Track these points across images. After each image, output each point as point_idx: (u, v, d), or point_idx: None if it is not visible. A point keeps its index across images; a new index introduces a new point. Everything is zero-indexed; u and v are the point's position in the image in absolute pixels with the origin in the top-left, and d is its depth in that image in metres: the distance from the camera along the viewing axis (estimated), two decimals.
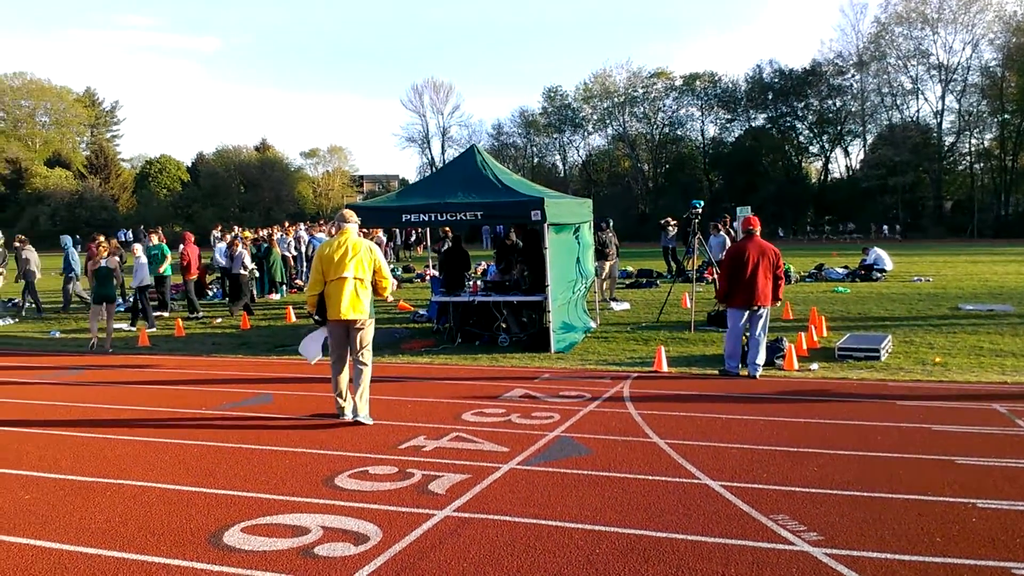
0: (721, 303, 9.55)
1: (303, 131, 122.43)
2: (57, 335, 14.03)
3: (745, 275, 8.96)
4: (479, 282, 13.00)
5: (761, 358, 9.10)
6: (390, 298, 8.22)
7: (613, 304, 16.03)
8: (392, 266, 28.02)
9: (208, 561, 4.34)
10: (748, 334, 9.13)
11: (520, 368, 9.94)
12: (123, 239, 34.34)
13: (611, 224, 17.22)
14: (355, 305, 7.26)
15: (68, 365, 10.93)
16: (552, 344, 10.98)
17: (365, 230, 14.86)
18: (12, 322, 15.94)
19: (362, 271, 7.30)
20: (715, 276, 17.68)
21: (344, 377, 7.42)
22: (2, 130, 77.39)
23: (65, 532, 4.78)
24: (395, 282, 7.53)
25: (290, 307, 16.40)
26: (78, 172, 70.52)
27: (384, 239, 27.39)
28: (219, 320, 15.58)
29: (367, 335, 7.41)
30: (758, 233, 9.23)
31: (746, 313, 9.08)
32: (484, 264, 21.97)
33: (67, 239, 17.92)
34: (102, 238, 16.55)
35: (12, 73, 79.58)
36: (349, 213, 7.62)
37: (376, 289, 7.49)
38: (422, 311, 15.07)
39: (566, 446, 6.43)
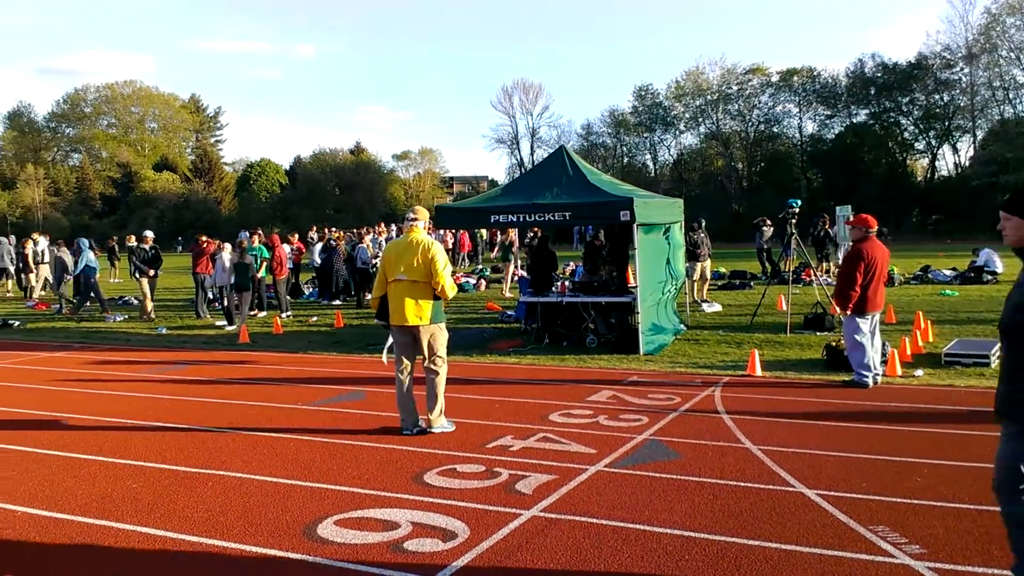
0: (846, 310, 8.44)
1: (396, 134, 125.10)
2: (164, 331, 14.72)
3: (872, 279, 8.42)
4: (567, 283, 12.98)
5: (880, 366, 8.75)
6: (461, 290, 7.71)
7: (704, 306, 15.73)
8: (481, 267, 28.31)
9: (302, 552, 4.46)
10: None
11: (608, 370, 9.86)
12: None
13: (703, 224, 16.90)
14: (412, 309, 6.75)
15: (173, 360, 11.46)
16: (641, 346, 10.85)
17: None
18: (122, 319, 16.81)
19: (418, 273, 6.76)
20: (813, 277, 17.11)
21: (407, 389, 6.92)
22: (114, 136, 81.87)
23: (169, 520, 5.01)
24: (454, 285, 7.01)
25: None
26: (184, 176, 73.87)
27: (450, 240, 27.54)
28: (314, 319, 16.05)
29: (436, 342, 6.92)
30: (875, 233, 8.73)
31: (870, 319, 8.57)
32: (572, 265, 21.91)
33: (84, 241, 18.71)
34: (205, 238, 17.31)
35: (123, 81, 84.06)
36: (419, 209, 7.14)
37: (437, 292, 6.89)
38: (510, 311, 15.15)
39: (655, 449, 6.35)
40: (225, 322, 15.19)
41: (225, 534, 4.75)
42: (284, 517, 5.02)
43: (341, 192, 70.94)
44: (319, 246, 21.07)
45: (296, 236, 23.72)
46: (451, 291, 6.89)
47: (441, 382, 6.94)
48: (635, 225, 10.57)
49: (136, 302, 20.23)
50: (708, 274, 17.17)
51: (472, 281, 22.00)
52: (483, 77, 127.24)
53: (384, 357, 7.70)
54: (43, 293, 22.94)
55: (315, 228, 36.57)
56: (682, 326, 12.96)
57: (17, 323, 16.18)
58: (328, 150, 75.90)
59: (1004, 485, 3.27)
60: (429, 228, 7.22)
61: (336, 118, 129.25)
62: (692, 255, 15.85)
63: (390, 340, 7.20)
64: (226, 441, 6.90)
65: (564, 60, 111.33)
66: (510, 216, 11.33)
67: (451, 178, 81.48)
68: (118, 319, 16.70)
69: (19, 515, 5.16)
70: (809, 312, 12.80)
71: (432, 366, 6.92)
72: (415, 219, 6.97)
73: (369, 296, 14.64)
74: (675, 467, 5.88)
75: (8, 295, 23.83)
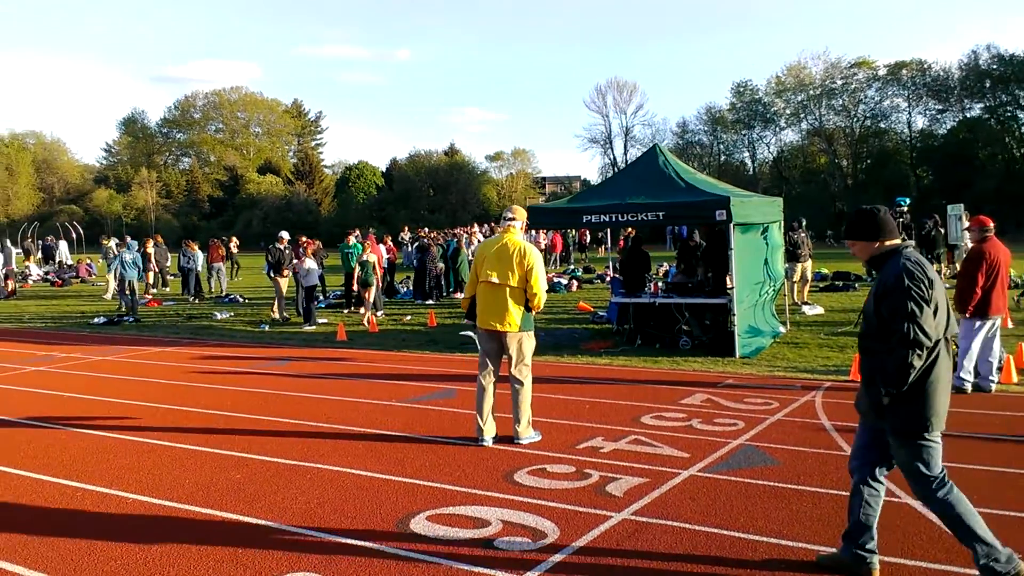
0: (965, 312, 8.01)
1: (489, 135, 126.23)
2: (266, 328, 15.26)
3: (994, 281, 7.95)
4: (660, 283, 12.80)
5: (996, 372, 8.29)
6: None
7: (805, 308, 15.23)
8: (572, 267, 28.23)
9: (395, 545, 4.54)
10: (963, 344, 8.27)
11: (702, 372, 9.66)
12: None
13: (803, 224, 16.37)
14: (499, 313, 6.48)
15: (274, 356, 11.86)
16: (737, 348, 10.59)
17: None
18: (228, 316, 17.52)
19: (511, 277, 6.45)
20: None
21: (488, 395, 6.62)
22: (221, 140, 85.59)
23: (270, 510, 5.18)
24: (545, 296, 6.66)
25: None
26: (286, 178, 76.52)
27: (543, 241, 27.39)
28: (408, 317, 16.34)
29: (524, 349, 6.61)
30: (992, 233, 8.26)
31: (990, 323, 8.10)
32: (666, 265, 21.61)
33: (133, 243, 19.54)
34: (305, 239, 17.90)
35: (230, 88, 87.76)
36: (516, 209, 6.84)
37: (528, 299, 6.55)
38: (602, 312, 15.04)
39: (751, 455, 6.17)
40: (303, 322, 15.65)
41: (322, 525, 4.87)
42: (378, 511, 5.11)
43: (435, 193, 72.06)
44: (414, 246, 21.46)
45: (388, 237, 24.26)
46: (543, 302, 6.63)
47: (526, 393, 6.61)
48: (731, 224, 10.32)
49: (242, 300, 21.07)
50: (809, 275, 16.61)
51: (563, 282, 21.96)
52: (577, 77, 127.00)
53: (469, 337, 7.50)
54: (153, 291, 24.16)
55: (407, 228, 37.29)
56: (781, 329, 12.58)
57: (130, 320, 17.08)
58: (423, 152, 77.25)
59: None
60: (524, 228, 6.89)
61: (431, 120, 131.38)
62: (792, 256, 15.39)
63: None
64: (324, 435, 7.09)
65: (660, 57, 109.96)
66: (602, 216, 11.24)
67: (543, 178, 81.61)
68: (224, 316, 17.40)
69: (130, 501, 5.43)
70: None
71: (517, 375, 6.58)
72: (512, 219, 6.68)
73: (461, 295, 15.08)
74: (772, 474, 5.70)
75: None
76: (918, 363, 3.69)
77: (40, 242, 40.18)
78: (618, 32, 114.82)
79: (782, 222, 13.58)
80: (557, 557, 4.34)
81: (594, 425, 7.21)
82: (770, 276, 12.36)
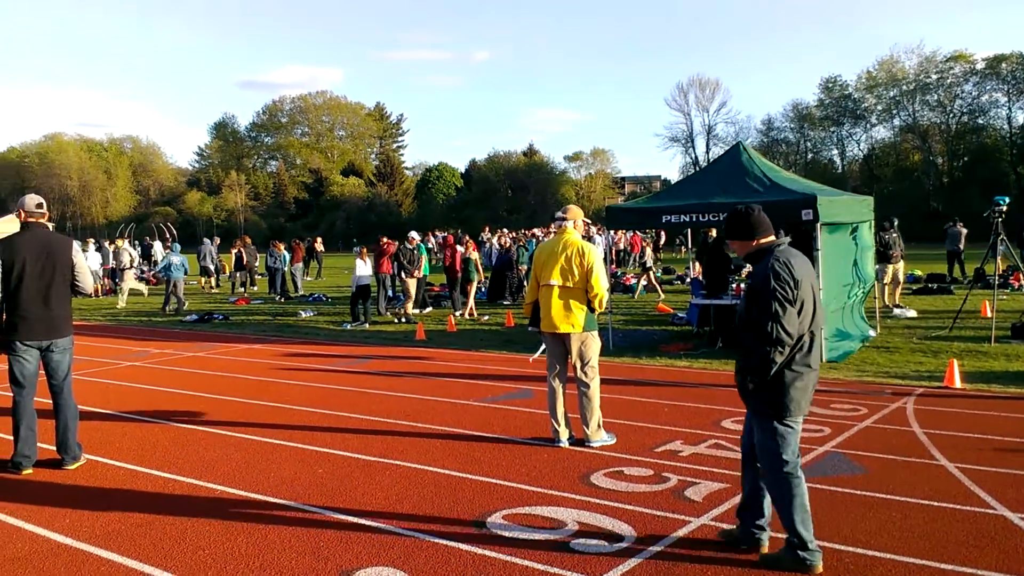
0: None
1: (568, 135, 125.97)
2: (348, 327, 15.58)
3: None
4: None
5: None
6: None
7: (896, 311, 14.67)
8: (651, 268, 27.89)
9: (472, 544, 4.56)
10: None
11: None
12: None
13: (895, 223, 15.76)
14: (563, 316, 6.40)
15: (356, 355, 12.10)
16: (823, 352, 10.26)
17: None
18: (312, 314, 17.97)
19: (569, 277, 6.38)
20: (1022, 282, 15.55)
21: (559, 397, 6.57)
22: (306, 143, 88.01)
23: (351, 505, 5.27)
24: (608, 295, 6.52)
25: None
26: (368, 180, 78.11)
27: (601, 240, 26.94)
28: (486, 317, 16.44)
29: (589, 350, 6.50)
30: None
31: None
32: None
33: (176, 246, 20.66)
34: (385, 239, 18.21)
35: (315, 92, 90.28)
36: (571, 209, 6.74)
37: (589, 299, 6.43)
38: (681, 313, 14.81)
39: (837, 462, 5.97)
40: (351, 319, 16.18)
41: (400, 521, 4.94)
42: (455, 508, 5.15)
43: (514, 193, 72.39)
44: (495, 247, 21.57)
45: (467, 237, 24.45)
46: (605, 303, 6.51)
47: (594, 394, 6.51)
48: (818, 224, 10.01)
49: (325, 299, 21.59)
50: (901, 277, 15.99)
51: (642, 283, 21.72)
52: (658, 74, 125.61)
53: (532, 357, 7.54)
54: (241, 290, 24.99)
55: (487, 228, 37.53)
56: (871, 332, 12.15)
57: (220, 317, 17.70)
58: (502, 153, 77.77)
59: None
60: (582, 228, 6.76)
61: (510, 121, 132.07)
62: (883, 256, 14.85)
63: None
64: (403, 433, 7.19)
65: (744, 53, 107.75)
66: (682, 216, 11.07)
67: (623, 178, 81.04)
68: (308, 314, 17.86)
69: (217, 493, 5.62)
70: (1018, 320, 11.62)
71: (583, 376, 6.48)
72: (566, 219, 6.61)
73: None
74: (860, 482, 5.50)
75: (214, 291, 26.15)
76: (779, 358, 4.00)
77: (137, 242, 42.04)
78: (700, 29, 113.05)
79: (873, 222, 13.10)
80: (634, 561, 4.28)
81: (673, 428, 7.10)
82: (859, 278, 11.94)
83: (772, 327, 3.94)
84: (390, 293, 18.21)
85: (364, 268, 16.15)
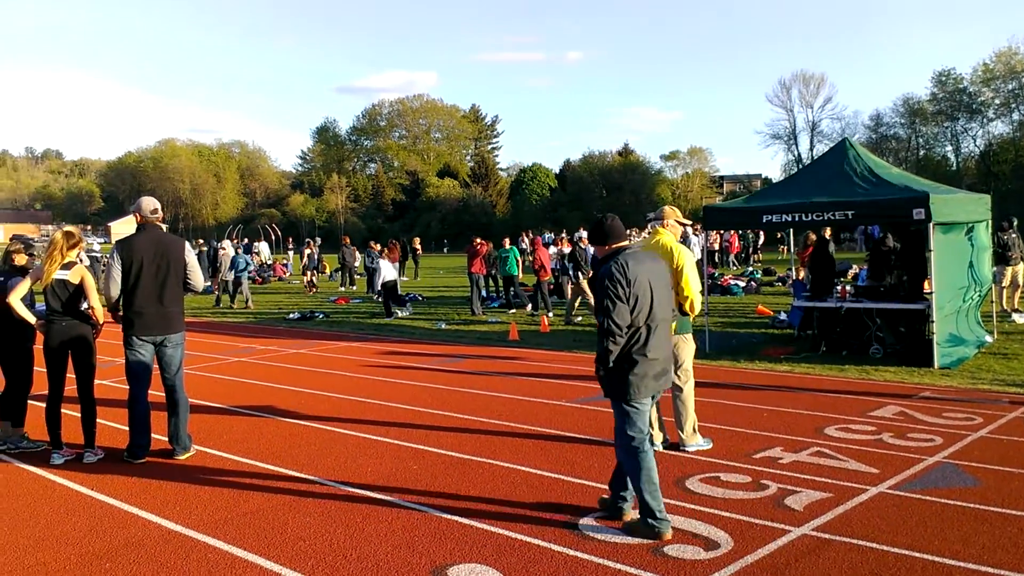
0: None
1: (665, 134, 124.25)
2: (443, 326, 15.80)
3: None
4: (848, 287, 12.06)
5: None
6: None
7: (1016, 316, 13.84)
8: (751, 269, 27.19)
9: (564, 544, 4.54)
10: None
11: (895, 383, 8.99)
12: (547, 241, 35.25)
13: (1014, 223, 14.86)
14: None
15: (450, 354, 12.25)
16: (936, 358, 9.76)
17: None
18: (408, 313, 18.30)
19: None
20: None
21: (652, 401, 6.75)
22: (404, 146, 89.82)
23: (444, 501, 5.34)
24: (699, 298, 6.29)
25: None
26: (463, 181, 79.03)
27: (697, 240, 25.91)
28: (579, 319, 16.36)
29: (681, 354, 6.38)
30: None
31: None
32: (855, 268, 20.34)
33: (228, 244, 21.98)
34: (479, 240, 18.38)
35: (412, 96, 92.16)
36: (665, 210, 6.58)
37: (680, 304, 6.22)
38: (782, 316, 14.37)
39: (949, 474, 5.67)
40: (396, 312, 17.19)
41: (493, 519, 4.96)
42: (548, 509, 5.14)
43: (608, 194, 71.86)
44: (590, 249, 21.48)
45: (564, 237, 24.41)
46: (698, 307, 6.33)
47: (688, 398, 6.41)
48: (931, 224, 9.53)
49: (420, 299, 21.96)
50: (1020, 280, 15.05)
51: (741, 284, 21.21)
52: (758, 71, 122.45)
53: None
54: (342, 290, 25.68)
55: (583, 228, 37.36)
56: (987, 338, 11.49)
57: (321, 316, 18.24)
58: (596, 153, 77.29)
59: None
60: (677, 229, 6.56)
61: (605, 121, 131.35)
62: (1001, 258, 14.03)
63: None
64: (495, 432, 7.23)
65: (850, 47, 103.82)
66: (784, 216, 10.74)
67: (721, 177, 79.30)
68: (405, 313, 18.20)
69: (317, 485, 5.78)
70: None
71: (676, 380, 6.31)
72: (658, 220, 6.52)
73: None
74: (973, 495, 5.20)
75: (315, 290, 26.95)
76: (614, 348, 4.59)
77: (245, 243, 43.82)
78: (804, 22, 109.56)
79: (990, 221, 12.38)
80: (730, 569, 4.17)
81: (773, 434, 6.89)
82: (975, 280, 11.32)
83: (604, 320, 4.57)
84: (483, 293, 18.39)
85: (390, 269, 18.12)
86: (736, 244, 31.17)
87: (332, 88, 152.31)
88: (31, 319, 6.44)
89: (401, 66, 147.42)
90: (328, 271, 32.62)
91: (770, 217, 10.93)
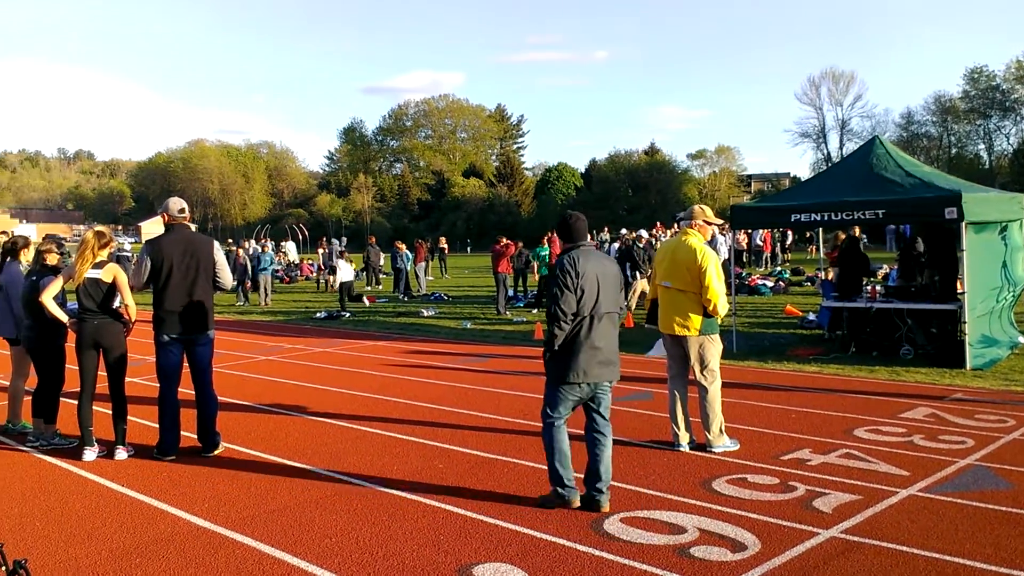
0: None
1: (691, 133, 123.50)
2: (468, 326, 15.83)
3: None
4: (879, 287, 11.91)
5: None
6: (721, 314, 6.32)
7: None
8: (779, 269, 26.93)
9: (589, 545, 4.53)
10: None
11: (926, 384, 8.87)
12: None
13: None
14: (677, 318, 6.26)
15: (476, 353, 12.27)
16: (968, 360, 9.61)
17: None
18: (434, 313, 18.36)
19: (685, 282, 6.20)
20: None
21: (679, 400, 6.43)
22: (429, 146, 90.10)
23: (470, 500, 5.34)
24: (723, 300, 6.24)
25: None
26: (488, 181, 79.04)
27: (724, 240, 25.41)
28: None
29: (707, 354, 6.31)
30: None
31: None
32: (885, 268, 20.09)
33: (252, 244, 22.26)
34: (505, 240, 18.40)
35: (438, 96, 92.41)
36: (694, 209, 6.53)
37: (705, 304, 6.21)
38: (811, 316, 14.22)
39: (981, 476, 5.57)
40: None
41: (518, 519, 4.96)
42: (572, 509, 5.12)
43: (634, 193, 71.56)
44: (614, 246, 21.42)
45: (592, 237, 24.33)
46: (723, 308, 6.25)
47: (714, 398, 6.32)
48: (963, 223, 9.38)
49: (446, 298, 22.03)
50: None
51: (769, 284, 21.03)
52: (787, 69, 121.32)
53: (648, 354, 7.45)
54: (368, 289, 25.80)
55: (607, 228, 37.28)
56: (1020, 339, 11.29)
57: (347, 315, 18.35)
58: (622, 152, 76.97)
59: None
60: (707, 229, 6.49)
61: (631, 120, 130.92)
62: None
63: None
64: (520, 431, 7.22)
65: (880, 44, 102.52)
66: (813, 215, 10.63)
67: (749, 176, 78.63)
68: (431, 313, 18.26)
69: (343, 483, 5.81)
70: None
71: (702, 380, 6.31)
72: (686, 219, 6.50)
73: None
74: (1006, 498, 5.11)
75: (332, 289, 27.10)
76: (559, 333, 4.98)
77: (272, 243, 44.21)
78: (833, 19, 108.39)
79: None
80: (757, 571, 4.13)
81: (801, 436, 6.82)
82: (1009, 280, 11.12)
83: (552, 307, 4.98)
84: (510, 293, 18.40)
85: (348, 270, 19.86)
86: (768, 243, 30.84)
87: (358, 89, 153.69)
88: (63, 317, 6.55)
89: (427, 66, 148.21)
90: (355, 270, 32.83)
91: (799, 216, 10.82)
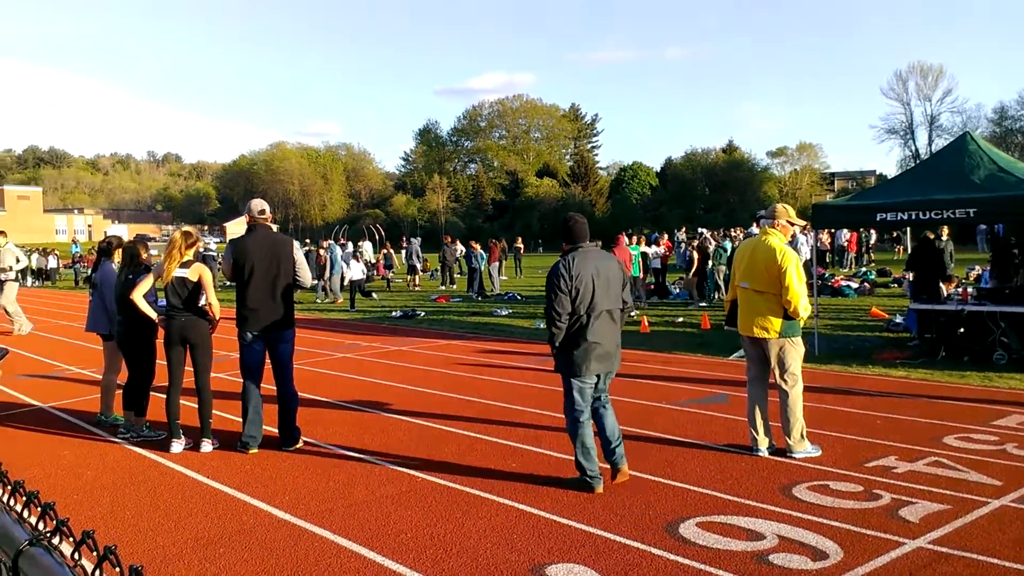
0: None
1: (772, 130, 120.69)
2: (541, 326, 15.80)
3: None
4: (970, 289, 11.41)
5: None
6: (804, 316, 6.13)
7: None
8: (865, 269, 26.08)
9: (664, 548, 4.47)
10: None
11: (1020, 391, 8.45)
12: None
13: None
14: (756, 320, 6.11)
15: (546, 353, 12.22)
16: None
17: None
18: (507, 312, 18.41)
19: (764, 283, 6.06)
20: None
21: (758, 404, 6.27)
22: (503, 146, 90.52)
23: (543, 501, 5.34)
24: (804, 302, 6.01)
25: None
26: (562, 180, 78.96)
27: (805, 240, 24.54)
28: (680, 319, 16.10)
29: (788, 357, 6.14)
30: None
31: None
32: (977, 269, 19.25)
33: (336, 245, 24.48)
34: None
35: (512, 96, 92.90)
36: (776, 208, 6.37)
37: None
38: (898, 319, 13.72)
39: None
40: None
41: (591, 520, 4.93)
42: (647, 512, 5.07)
43: (711, 192, 70.42)
44: (693, 244, 21.10)
45: (666, 236, 24.07)
46: (805, 311, 6.06)
47: (795, 402, 6.15)
48: None
49: (519, 298, 22.08)
50: None
51: (853, 286, 20.37)
52: (873, 63, 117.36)
53: (729, 357, 7.32)
54: (442, 288, 26.07)
55: (685, 229, 36.76)
56: None
57: (423, 314, 18.58)
58: (699, 150, 75.86)
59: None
60: (788, 229, 6.31)
61: (709, 118, 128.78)
62: None
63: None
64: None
65: (971, 37, 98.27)
66: (899, 214, 10.25)
67: (832, 174, 76.46)
68: (504, 312, 18.33)
69: (419, 480, 5.88)
70: None
71: (783, 384, 6.15)
72: (767, 218, 6.34)
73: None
74: None
75: (416, 288, 27.47)
76: (557, 331, 5.40)
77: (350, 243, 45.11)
78: (919, 11, 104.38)
79: None
80: None
81: (887, 443, 6.58)
82: None
83: (548, 308, 5.39)
84: None
85: (358, 268, 21.59)
86: (853, 244, 29.90)
87: (433, 91, 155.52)
88: (153, 314, 6.82)
89: (499, 68, 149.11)
90: (429, 270, 33.22)
91: (884, 215, 10.46)
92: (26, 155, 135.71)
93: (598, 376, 5.54)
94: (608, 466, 5.64)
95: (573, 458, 5.56)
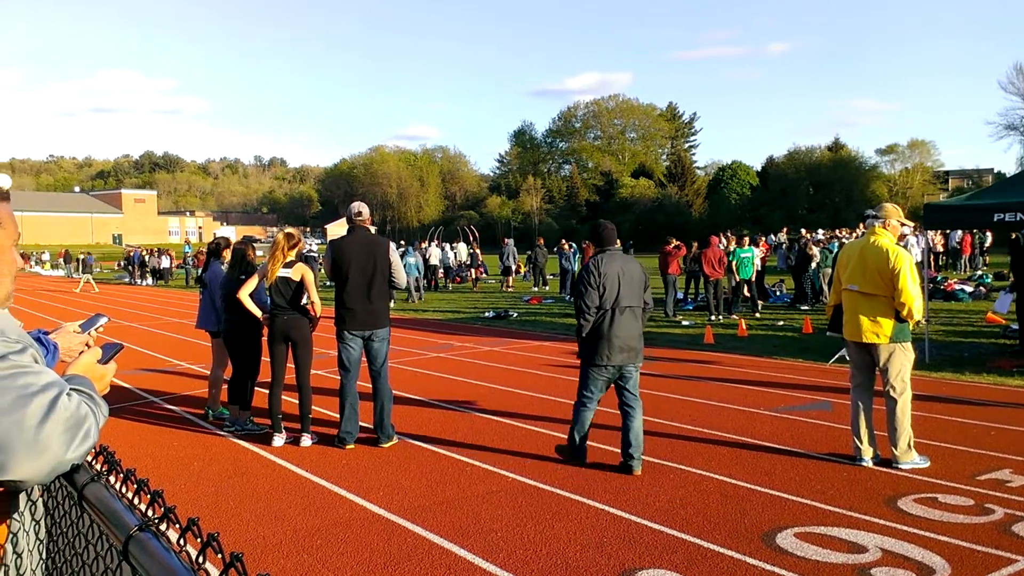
0: None
1: (881, 127, 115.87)
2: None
3: None
4: None
5: None
6: (920, 322, 5.99)
7: None
8: (980, 273, 24.72)
9: (760, 558, 4.35)
10: None
11: None
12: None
13: None
14: (866, 325, 5.88)
15: (644, 356, 12.08)
16: None
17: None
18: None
19: (875, 285, 5.83)
20: None
21: (862, 412, 6.05)
22: (598, 147, 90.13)
23: (632, 504, 5.28)
24: (919, 304, 5.72)
25: None
26: (658, 180, 77.94)
27: (917, 241, 23.18)
28: (781, 323, 15.65)
29: (897, 363, 5.90)
30: None
31: None
32: None
33: (410, 248, 25.05)
34: (676, 242, 18.08)
35: (608, 96, 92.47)
36: (886, 207, 6.15)
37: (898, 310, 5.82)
38: (1014, 325, 12.94)
39: None
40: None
41: (683, 526, 4.85)
42: (743, 520, 4.95)
43: (815, 191, 68.16)
44: (798, 245, 20.49)
45: (763, 238, 23.44)
46: (919, 313, 5.82)
47: (903, 411, 5.89)
48: None
49: None
50: None
51: (968, 289, 19.34)
52: (990, 55, 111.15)
53: (829, 363, 7.05)
54: (535, 290, 26.14)
55: (787, 230, 35.70)
56: None
57: (515, 315, 18.68)
58: (803, 148, 73.57)
59: None
60: (897, 229, 6.08)
61: (813, 114, 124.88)
62: None
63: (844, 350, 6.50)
64: (687, 437, 7.06)
65: None
66: (1019, 214, 9.67)
67: (946, 172, 72.79)
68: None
69: (509, 480, 5.91)
70: None
71: (891, 391, 5.91)
72: (877, 218, 6.08)
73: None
74: None
75: (509, 289, 27.63)
76: (585, 323, 5.94)
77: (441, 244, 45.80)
78: None
79: None
80: None
81: (1001, 455, 6.22)
82: None
83: (577, 301, 5.95)
84: (678, 295, 18.01)
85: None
86: (968, 246, 28.42)
87: (528, 92, 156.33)
88: (257, 313, 7.10)
89: (595, 68, 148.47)
90: (522, 271, 33.36)
91: (1002, 216, 9.88)
92: (143, 160, 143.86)
93: (620, 368, 6.02)
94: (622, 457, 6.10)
95: (619, 450, 6.12)
